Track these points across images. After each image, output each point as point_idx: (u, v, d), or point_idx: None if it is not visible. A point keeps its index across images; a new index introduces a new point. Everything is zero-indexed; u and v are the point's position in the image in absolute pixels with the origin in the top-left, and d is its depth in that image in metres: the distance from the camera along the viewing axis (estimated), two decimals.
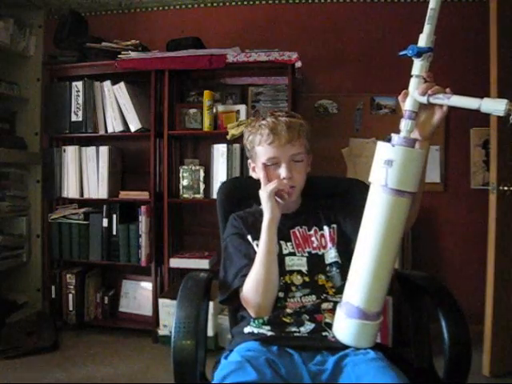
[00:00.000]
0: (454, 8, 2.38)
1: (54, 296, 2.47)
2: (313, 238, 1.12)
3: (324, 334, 1.01)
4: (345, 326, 0.94)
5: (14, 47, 2.50)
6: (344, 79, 2.56)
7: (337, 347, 0.96)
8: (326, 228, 1.14)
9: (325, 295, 1.06)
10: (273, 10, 2.61)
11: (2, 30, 2.40)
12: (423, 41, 0.89)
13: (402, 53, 0.89)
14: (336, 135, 2.53)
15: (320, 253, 1.11)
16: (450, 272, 2.48)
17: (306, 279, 1.08)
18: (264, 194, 1.07)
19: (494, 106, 0.81)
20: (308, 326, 1.02)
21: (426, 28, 0.89)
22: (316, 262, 1.09)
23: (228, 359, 0.98)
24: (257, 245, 1.11)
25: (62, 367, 2.04)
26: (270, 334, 1.02)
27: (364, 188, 1.32)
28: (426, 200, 2.72)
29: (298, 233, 1.13)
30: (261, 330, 1.03)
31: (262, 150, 1.11)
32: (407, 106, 0.90)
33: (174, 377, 0.96)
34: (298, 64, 2.25)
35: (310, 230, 1.13)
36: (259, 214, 1.14)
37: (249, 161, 1.20)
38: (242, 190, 1.28)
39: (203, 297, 1.10)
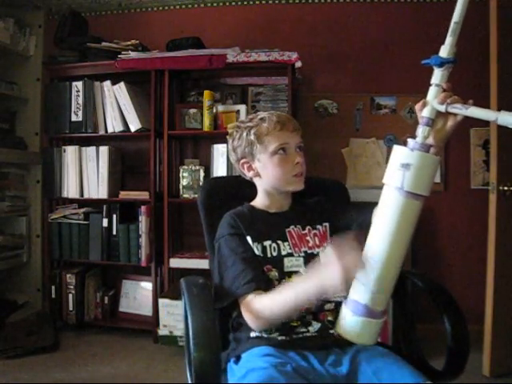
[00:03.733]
0: (453, 8, 2.37)
1: (54, 296, 2.47)
2: (308, 238, 1.12)
3: (330, 331, 1.03)
4: (350, 323, 0.95)
5: (14, 47, 2.50)
6: (344, 79, 2.56)
7: (345, 343, 0.98)
8: (318, 227, 1.15)
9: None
10: (273, 9, 2.61)
11: (2, 30, 2.40)
12: (445, 51, 0.90)
13: (424, 61, 0.91)
14: (336, 135, 2.54)
15: (315, 252, 1.11)
16: (450, 272, 2.48)
17: None
18: (339, 274, 0.84)
19: (511, 119, 0.81)
20: (315, 326, 1.04)
21: (448, 40, 0.91)
22: (312, 262, 1.09)
23: (243, 364, 0.98)
24: (257, 247, 1.08)
25: (62, 367, 2.04)
26: (280, 338, 1.01)
27: (344, 189, 1.39)
28: (426, 200, 2.69)
29: (293, 232, 1.12)
30: (271, 336, 1.02)
31: (271, 139, 1.10)
32: (425, 113, 0.92)
33: None
34: (298, 64, 2.25)
35: (304, 229, 1.13)
36: (256, 213, 1.15)
37: (241, 161, 1.17)
38: (226, 189, 1.25)
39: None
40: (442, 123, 0.92)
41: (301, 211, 1.16)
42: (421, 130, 0.92)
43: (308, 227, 1.13)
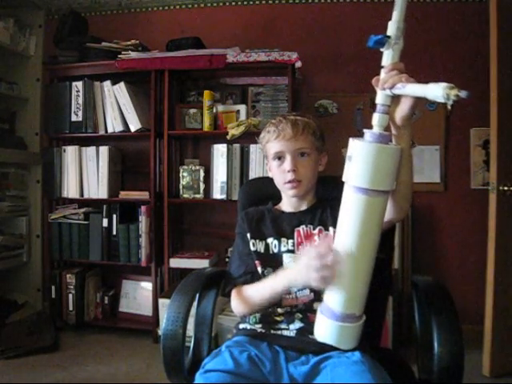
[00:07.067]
0: (454, 8, 2.38)
1: (53, 296, 2.48)
2: (315, 237, 1.12)
3: (312, 336, 1.01)
4: (325, 328, 0.92)
5: (13, 47, 2.50)
6: (344, 79, 2.56)
7: (323, 350, 0.97)
8: (331, 229, 1.14)
9: (319, 292, 1.06)
10: (273, 10, 2.61)
11: (2, 30, 2.40)
12: (389, 28, 0.84)
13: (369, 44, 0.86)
14: (336, 135, 2.52)
15: None
16: (450, 272, 2.48)
17: None
18: (305, 269, 0.92)
19: (435, 91, 0.72)
20: (297, 324, 1.05)
21: (394, 15, 0.84)
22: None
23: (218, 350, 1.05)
24: (253, 244, 1.14)
25: (61, 367, 2.04)
26: (259, 330, 1.07)
27: None
28: (426, 200, 2.70)
29: (301, 231, 1.13)
30: (253, 327, 1.09)
31: (269, 146, 1.16)
32: (378, 99, 0.85)
33: (164, 365, 1.03)
34: (298, 64, 2.25)
35: (314, 230, 1.13)
36: (268, 212, 1.19)
37: (266, 161, 1.25)
38: (263, 190, 1.29)
39: (199, 289, 1.21)
40: (395, 106, 0.85)
41: (317, 212, 1.16)
42: (375, 119, 0.83)
43: (319, 227, 1.13)
